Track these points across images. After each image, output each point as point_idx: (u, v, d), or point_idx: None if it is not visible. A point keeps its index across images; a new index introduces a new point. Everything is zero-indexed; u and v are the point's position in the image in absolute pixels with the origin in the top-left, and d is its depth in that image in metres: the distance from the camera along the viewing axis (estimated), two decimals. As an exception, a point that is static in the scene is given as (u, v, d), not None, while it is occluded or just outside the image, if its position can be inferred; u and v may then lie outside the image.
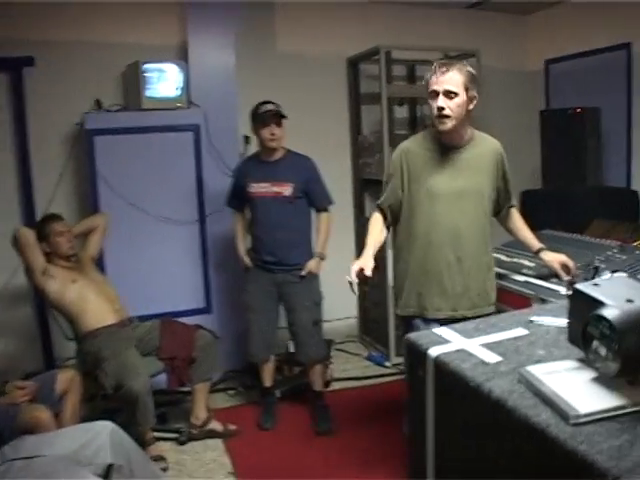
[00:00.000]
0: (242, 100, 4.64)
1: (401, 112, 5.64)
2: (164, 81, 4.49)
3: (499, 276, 3.25)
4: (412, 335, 1.68)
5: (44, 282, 3.73)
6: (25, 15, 4.59)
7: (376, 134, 5.12)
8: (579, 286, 1.34)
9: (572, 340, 1.40)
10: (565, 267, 3.06)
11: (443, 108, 2.71)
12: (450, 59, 5.49)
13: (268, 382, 4.23)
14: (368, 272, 2.77)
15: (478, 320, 1.84)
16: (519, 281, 3.19)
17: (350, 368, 5.04)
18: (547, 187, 5.27)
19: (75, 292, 3.77)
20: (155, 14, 4.93)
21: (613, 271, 1.64)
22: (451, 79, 2.70)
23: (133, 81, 4.53)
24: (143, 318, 4.06)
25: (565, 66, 5.83)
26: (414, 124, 5.71)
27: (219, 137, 4.64)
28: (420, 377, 1.55)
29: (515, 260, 3.47)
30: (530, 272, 3.26)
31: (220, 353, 4.13)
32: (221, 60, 4.77)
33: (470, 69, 2.77)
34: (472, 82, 2.75)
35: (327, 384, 4.56)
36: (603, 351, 1.21)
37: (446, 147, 2.90)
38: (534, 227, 4.19)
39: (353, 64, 5.47)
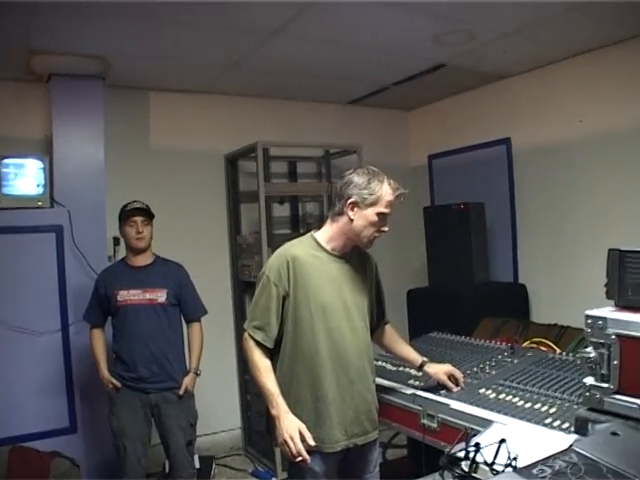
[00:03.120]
0: (111, 199, 4.48)
1: (283, 210, 5.53)
2: (24, 177, 4.28)
3: (383, 389, 3.06)
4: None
5: None
6: None
7: (255, 234, 5.02)
8: None
9: None
10: (453, 377, 2.94)
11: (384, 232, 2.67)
12: (331, 155, 5.54)
13: None
14: (310, 439, 2.45)
15: None
16: (405, 394, 3.01)
17: (234, 486, 4.70)
18: (433, 285, 5.23)
19: None
20: (18, 104, 4.71)
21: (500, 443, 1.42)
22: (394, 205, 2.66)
23: (-11, 177, 4.22)
24: (-8, 443, 3.65)
25: (447, 161, 6.00)
26: (296, 223, 5.62)
27: (85, 239, 4.41)
28: None
29: (401, 369, 3.33)
30: (418, 383, 3.10)
31: (87, 477, 3.87)
32: (89, 155, 4.61)
33: None
34: None
35: None
36: None
37: (334, 257, 2.71)
38: (420, 329, 4.12)
39: (231, 161, 5.42)
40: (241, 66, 4.68)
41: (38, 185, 4.29)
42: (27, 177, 4.26)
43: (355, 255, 2.77)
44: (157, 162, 5.12)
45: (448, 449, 1.46)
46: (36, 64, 4.35)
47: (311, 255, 2.67)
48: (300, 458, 2.39)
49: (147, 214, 3.81)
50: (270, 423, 2.59)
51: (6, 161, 4.21)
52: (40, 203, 4.29)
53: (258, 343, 2.61)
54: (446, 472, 1.33)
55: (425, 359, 2.99)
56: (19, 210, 4.21)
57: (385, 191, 2.59)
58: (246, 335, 2.65)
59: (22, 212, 4.22)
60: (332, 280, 2.65)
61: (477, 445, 1.33)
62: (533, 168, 5.13)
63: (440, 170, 6.13)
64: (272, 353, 2.65)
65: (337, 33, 4.05)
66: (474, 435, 1.87)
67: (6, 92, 4.64)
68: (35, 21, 3.61)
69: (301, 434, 2.43)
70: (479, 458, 1.31)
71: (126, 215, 3.77)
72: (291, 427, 2.43)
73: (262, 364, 2.60)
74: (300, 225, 5.66)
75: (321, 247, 2.70)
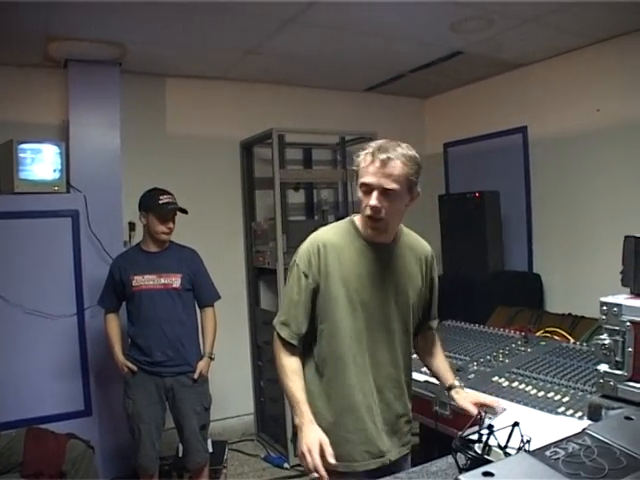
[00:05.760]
0: (127, 185, 4.51)
1: (298, 197, 5.53)
2: (41, 162, 4.29)
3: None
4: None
5: None
6: None
7: (270, 221, 5.01)
8: (466, 478, 1.11)
9: None
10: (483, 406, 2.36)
11: (378, 209, 2.16)
12: (346, 142, 5.52)
13: None
14: (332, 460, 2.07)
15: None
16: (418, 382, 3.01)
17: (247, 471, 4.78)
18: (448, 274, 5.22)
19: None
20: (35, 90, 4.74)
21: (512, 427, 1.42)
22: (392, 173, 2.12)
23: (6, 162, 4.30)
24: (9, 425, 3.73)
25: (463, 149, 5.96)
26: (311, 210, 5.62)
27: (101, 224, 4.43)
28: None
29: (413, 356, 3.29)
30: (430, 371, 3.07)
31: (102, 459, 3.86)
32: (105, 141, 4.63)
33: (415, 156, 2.20)
34: (418, 175, 2.18)
35: None
36: None
37: (372, 245, 2.31)
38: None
39: (247, 148, 5.42)
40: (257, 53, 4.68)
41: (55, 170, 4.31)
42: (44, 162, 4.28)
43: (406, 245, 2.38)
44: (173, 148, 5.14)
45: (461, 431, 1.46)
46: (53, 50, 4.38)
47: (347, 242, 2.31)
48: (316, 475, 2.05)
49: (180, 211, 3.86)
50: (295, 430, 2.24)
51: (23, 146, 4.23)
52: (57, 188, 4.32)
53: (285, 342, 2.29)
54: (459, 454, 1.33)
55: (457, 382, 2.53)
56: (36, 195, 4.24)
57: (362, 158, 2.19)
58: (274, 333, 2.35)
59: (39, 197, 4.25)
60: (370, 272, 2.28)
61: (490, 427, 1.33)
62: (549, 157, 5.10)
63: (456, 158, 6.11)
64: (305, 353, 2.36)
65: (354, 20, 4.03)
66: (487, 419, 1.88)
67: (23, 78, 4.67)
68: (52, 7, 3.62)
69: (322, 448, 2.08)
70: (492, 441, 1.32)
71: (160, 210, 3.77)
72: (311, 439, 2.11)
73: (288, 365, 2.28)
74: (315, 212, 5.68)
75: (359, 233, 2.32)
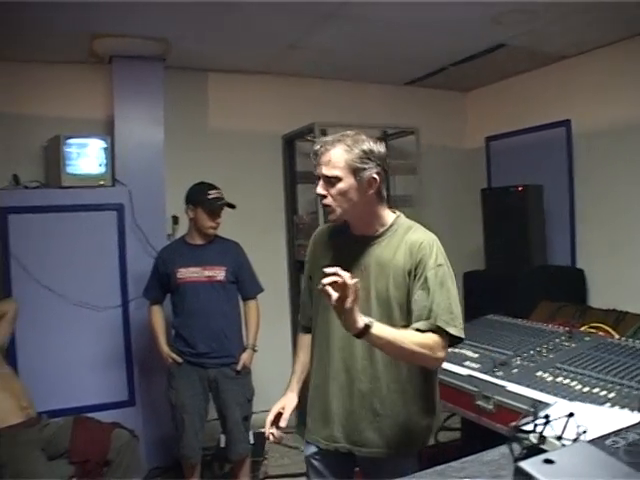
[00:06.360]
0: (170, 178, 4.55)
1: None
2: (86, 157, 4.38)
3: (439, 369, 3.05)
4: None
5: None
6: None
7: (312, 214, 5.02)
8: (526, 465, 1.09)
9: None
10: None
11: (322, 196, 2.21)
12: (388, 136, 5.51)
13: None
14: (283, 423, 2.38)
15: None
16: (461, 375, 3.00)
17: (288, 463, 4.77)
18: (490, 268, 5.18)
19: (-25, 388, 3.46)
20: (81, 86, 4.84)
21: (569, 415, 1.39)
22: (330, 161, 2.15)
23: (54, 156, 4.40)
24: (56, 413, 3.81)
25: (506, 143, 5.89)
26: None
27: (145, 217, 4.50)
28: None
29: (457, 350, 3.31)
30: (473, 365, 3.06)
31: (145, 449, 3.93)
32: (149, 136, 4.69)
33: (364, 144, 2.18)
34: (365, 160, 2.16)
35: None
36: None
37: (355, 237, 2.31)
38: (476, 311, 4.08)
39: (288, 142, 5.44)
40: (298, 47, 4.69)
41: (100, 164, 4.39)
42: (90, 157, 4.36)
43: (398, 237, 2.25)
44: (215, 142, 5.18)
45: (515, 422, 1.45)
46: (98, 47, 4.44)
47: (335, 234, 2.39)
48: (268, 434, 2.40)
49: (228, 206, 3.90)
50: None
51: (70, 141, 4.32)
52: (102, 182, 4.39)
53: (300, 322, 2.59)
54: (514, 444, 1.32)
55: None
56: (82, 189, 4.32)
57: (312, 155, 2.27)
58: None
59: (85, 191, 4.34)
60: (354, 264, 2.23)
61: (547, 417, 1.32)
62: (593, 151, 5.01)
63: (497, 152, 6.04)
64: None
65: (395, 13, 3.99)
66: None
67: (69, 74, 4.76)
68: (98, 5, 3.66)
69: (279, 414, 2.40)
70: (547, 431, 1.30)
71: (210, 207, 3.81)
72: (276, 403, 2.44)
73: (299, 341, 2.59)
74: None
75: (348, 227, 2.34)
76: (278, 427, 2.40)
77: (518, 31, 4.41)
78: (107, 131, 4.67)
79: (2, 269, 4.18)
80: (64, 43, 4.35)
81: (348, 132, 2.23)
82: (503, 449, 1.52)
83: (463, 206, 5.96)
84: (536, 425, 1.32)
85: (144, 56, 4.61)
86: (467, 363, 3.13)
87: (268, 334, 4.15)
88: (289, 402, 2.43)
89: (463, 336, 2.15)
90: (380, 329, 1.97)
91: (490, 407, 2.76)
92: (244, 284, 3.96)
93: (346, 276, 1.84)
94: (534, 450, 1.25)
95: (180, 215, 4.38)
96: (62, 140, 4.29)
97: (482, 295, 4.93)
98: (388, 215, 2.31)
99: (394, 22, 4.17)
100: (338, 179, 2.15)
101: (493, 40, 4.68)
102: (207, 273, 3.84)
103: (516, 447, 1.31)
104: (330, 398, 2.31)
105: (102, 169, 4.39)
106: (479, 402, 2.82)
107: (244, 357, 3.91)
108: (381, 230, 2.28)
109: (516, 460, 1.20)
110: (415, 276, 2.18)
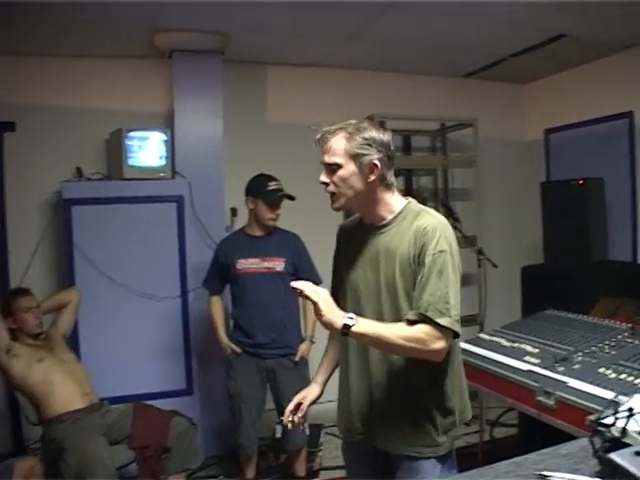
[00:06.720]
0: (229, 171, 4.60)
1: (397, 184, 5.48)
2: (147, 150, 4.44)
3: (498, 364, 3.02)
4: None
5: (7, 361, 3.54)
6: (8, 79, 4.60)
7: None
8: (617, 457, 1.07)
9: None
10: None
11: (325, 184, 2.21)
12: (446, 129, 5.45)
13: (250, 474, 4.06)
14: (299, 413, 2.39)
15: (470, 474, 1.53)
16: (521, 370, 2.96)
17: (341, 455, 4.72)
18: (549, 263, 5.09)
19: (40, 373, 3.58)
20: (142, 80, 4.94)
21: None
22: (330, 148, 2.17)
23: (116, 149, 4.49)
24: (117, 400, 3.90)
25: (565, 135, 5.78)
26: (410, 196, 5.56)
27: (204, 209, 4.55)
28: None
29: (517, 345, 3.27)
30: (534, 360, 3.01)
31: (201, 437, 4.00)
32: (208, 129, 4.75)
33: (366, 132, 2.17)
34: (366, 147, 2.14)
35: (316, 473, 4.38)
36: None
37: (366, 227, 2.29)
38: (534, 306, 4.02)
39: (347, 134, 5.32)
40: (356, 39, 4.68)
41: (161, 157, 4.45)
42: (150, 149, 4.43)
43: (407, 223, 2.18)
44: (273, 135, 5.20)
45: (596, 415, 1.42)
46: (159, 41, 4.51)
47: (354, 226, 2.39)
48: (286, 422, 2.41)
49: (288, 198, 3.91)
50: None
51: (131, 134, 4.39)
52: (162, 174, 4.46)
53: None
54: (595, 438, 1.29)
55: None
56: (143, 181, 4.39)
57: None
58: None
59: (145, 183, 4.40)
60: (365, 254, 2.25)
61: (630, 410, 1.28)
62: (658, 143, 4.88)
63: (557, 145, 5.92)
64: None
65: (455, 4, 3.95)
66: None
67: (131, 69, 4.87)
68: (160, 1, 3.73)
69: (300, 404, 2.41)
70: (631, 425, 1.27)
71: (269, 197, 3.83)
72: (298, 395, 2.46)
73: (329, 334, 2.56)
74: (414, 199, 5.63)
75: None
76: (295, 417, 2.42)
77: (579, 20, 4.30)
78: (167, 124, 4.74)
79: (66, 259, 4.28)
80: (126, 38, 4.45)
81: (351, 120, 2.22)
82: (581, 442, 1.49)
83: (522, 200, 5.87)
84: (617, 418, 1.29)
85: (204, 50, 4.66)
86: (527, 358, 3.08)
87: (322, 329, 4.13)
88: (310, 393, 2.45)
89: (457, 329, 2.03)
90: (363, 327, 1.97)
91: (551, 403, 2.71)
92: (303, 275, 3.93)
93: (301, 287, 1.98)
94: (615, 444, 1.22)
95: (239, 207, 4.42)
96: (124, 133, 4.36)
97: (540, 290, 4.84)
98: (397, 202, 2.27)
99: (454, 12, 4.12)
100: (339, 166, 2.15)
101: (554, 30, 4.58)
102: (266, 264, 3.87)
103: (596, 440, 1.28)
104: (349, 390, 2.31)
105: (162, 161, 4.45)
106: (540, 398, 2.77)
107: (302, 348, 3.93)
108: (390, 217, 2.23)
109: (597, 452, 1.18)
110: (419, 263, 2.11)
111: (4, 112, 4.51)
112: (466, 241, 4.40)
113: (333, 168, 2.16)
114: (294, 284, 1.99)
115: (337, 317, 1.94)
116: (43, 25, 4.08)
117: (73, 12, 3.83)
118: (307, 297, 1.95)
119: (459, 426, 2.25)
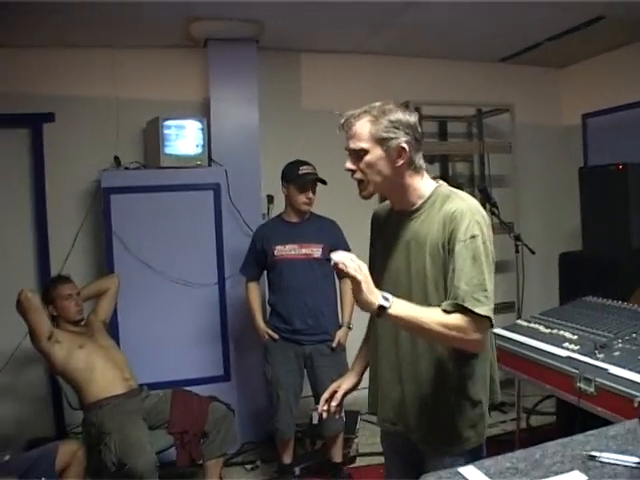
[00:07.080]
0: (265, 158, 4.63)
1: (433, 170, 5.46)
2: (184, 138, 4.47)
3: (536, 350, 3.00)
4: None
5: (49, 348, 3.58)
6: (46, 71, 4.69)
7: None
8: None
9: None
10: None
11: (351, 171, 2.12)
12: (482, 114, 5.40)
13: (287, 459, 4.06)
14: (333, 402, 2.32)
15: (517, 455, 1.49)
16: (560, 357, 2.93)
17: (378, 442, 4.68)
18: (587, 249, 5.01)
19: (81, 359, 3.64)
20: (177, 69, 4.98)
21: None
22: (355, 133, 2.07)
23: (153, 138, 4.52)
24: (156, 386, 3.95)
25: (603, 120, 5.68)
26: (446, 183, 5.54)
27: (241, 196, 4.57)
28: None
29: (555, 332, 3.24)
30: (573, 346, 2.98)
31: (238, 423, 4.02)
32: (244, 117, 4.77)
33: (392, 114, 2.06)
34: (393, 130, 2.04)
35: (353, 459, 4.40)
36: None
37: (396, 214, 2.21)
38: (572, 293, 3.97)
39: (382, 120, 5.31)
40: (390, 25, 4.65)
41: (197, 145, 4.48)
42: (187, 138, 4.45)
43: (437, 208, 2.08)
44: (308, 122, 5.19)
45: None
46: (194, 30, 4.54)
47: (385, 211, 2.31)
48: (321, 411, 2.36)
49: (319, 182, 3.90)
50: None
51: (168, 123, 4.42)
52: (199, 162, 4.48)
53: None
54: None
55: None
56: (180, 169, 4.42)
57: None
58: None
59: (182, 171, 4.43)
60: (396, 241, 2.17)
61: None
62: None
63: (595, 129, 5.83)
64: None
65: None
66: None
67: (167, 58, 4.91)
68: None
69: (334, 392, 2.34)
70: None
71: (300, 181, 3.81)
72: (334, 383, 2.40)
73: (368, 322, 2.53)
74: (450, 185, 5.60)
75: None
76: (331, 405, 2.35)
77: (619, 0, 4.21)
78: (203, 112, 4.77)
79: (105, 247, 4.34)
80: (162, 28, 4.48)
81: (376, 103, 2.10)
82: (629, 424, 1.49)
83: (559, 185, 5.79)
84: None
85: (238, 38, 4.67)
86: (566, 344, 3.04)
87: (362, 312, 4.14)
88: (345, 382, 2.39)
89: (493, 319, 1.93)
90: (399, 309, 1.86)
91: (591, 390, 2.68)
92: None
93: (344, 260, 1.81)
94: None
95: (275, 194, 4.43)
96: (161, 122, 4.39)
97: (579, 277, 4.78)
98: (427, 186, 2.15)
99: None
100: (365, 151, 2.05)
101: (593, 12, 4.49)
102: (304, 250, 3.86)
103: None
104: (380, 378, 2.25)
105: (199, 150, 4.48)
106: (580, 384, 2.74)
107: (339, 334, 3.92)
108: (419, 203, 2.12)
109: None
110: (449, 250, 2.00)
111: (43, 103, 4.59)
112: (503, 227, 4.37)
113: (359, 154, 2.07)
114: (334, 255, 1.82)
115: (376, 298, 1.83)
116: (81, 17, 4.12)
117: (111, 3, 3.87)
118: (347, 274, 1.81)
119: (487, 417, 2.18)
